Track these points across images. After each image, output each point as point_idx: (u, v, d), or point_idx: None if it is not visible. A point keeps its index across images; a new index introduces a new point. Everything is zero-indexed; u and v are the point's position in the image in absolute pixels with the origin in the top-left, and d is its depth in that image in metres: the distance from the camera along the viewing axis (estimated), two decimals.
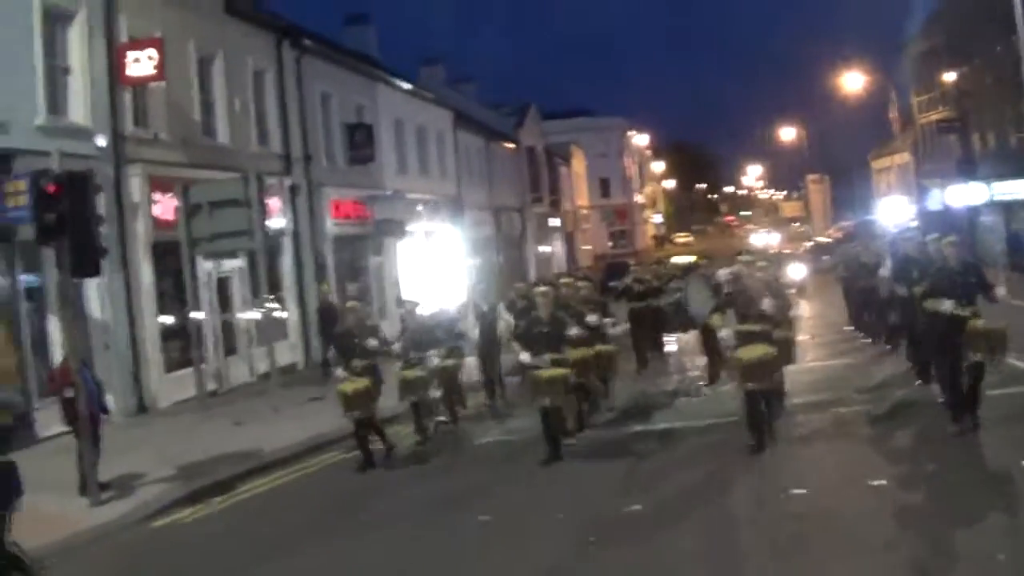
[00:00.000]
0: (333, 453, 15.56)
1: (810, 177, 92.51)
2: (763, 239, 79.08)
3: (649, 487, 11.46)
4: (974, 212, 43.11)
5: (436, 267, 37.28)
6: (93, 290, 19.36)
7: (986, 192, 41.31)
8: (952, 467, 10.61)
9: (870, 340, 20.78)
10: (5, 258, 17.42)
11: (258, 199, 19.35)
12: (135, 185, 20.37)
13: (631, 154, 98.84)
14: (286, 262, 26.97)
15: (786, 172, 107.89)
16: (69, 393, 12.85)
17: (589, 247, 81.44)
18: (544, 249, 62.40)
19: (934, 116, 48.11)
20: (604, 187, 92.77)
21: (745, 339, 12.54)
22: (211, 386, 21.68)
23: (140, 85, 20.56)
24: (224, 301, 23.80)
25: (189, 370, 20.99)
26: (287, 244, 26.79)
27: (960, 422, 11.89)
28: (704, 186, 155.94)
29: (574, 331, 14.09)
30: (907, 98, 52.57)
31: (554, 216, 65.75)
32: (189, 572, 10.50)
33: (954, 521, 8.84)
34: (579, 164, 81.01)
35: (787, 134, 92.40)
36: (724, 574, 8.50)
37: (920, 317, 13.02)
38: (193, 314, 20.87)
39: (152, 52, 20.02)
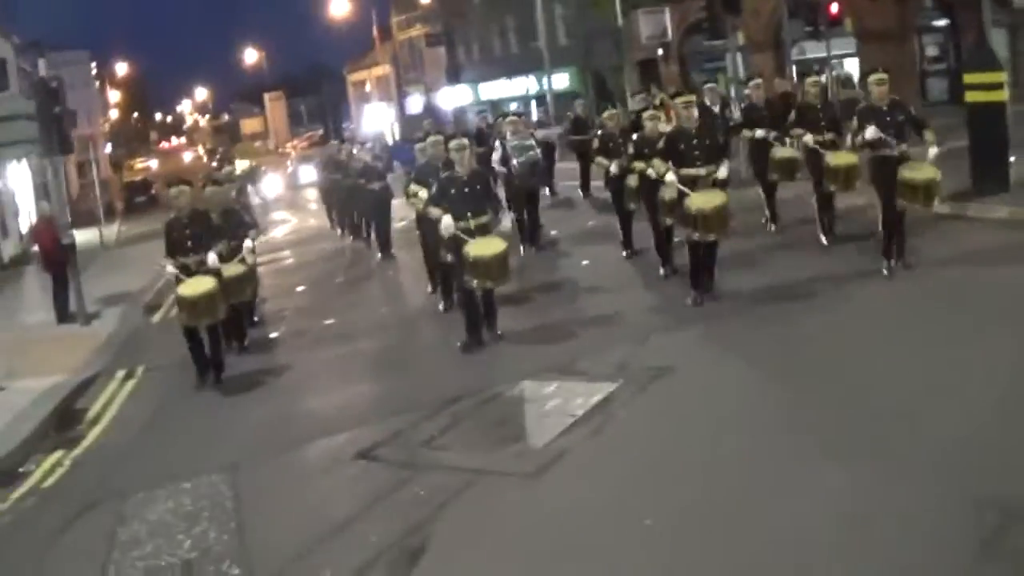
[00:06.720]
0: None
1: (269, 95, 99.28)
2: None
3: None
4: (460, 111, 52.82)
5: None
6: None
7: (471, 94, 51.57)
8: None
9: None
10: None
11: None
12: None
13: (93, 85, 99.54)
14: None
15: (247, 92, 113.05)
16: (68, 239, 17.34)
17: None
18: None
19: (414, 32, 57.53)
20: (73, 119, 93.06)
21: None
22: None
23: None
24: None
25: None
26: None
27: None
28: (136, 115, 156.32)
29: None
30: (386, 17, 61.31)
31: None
32: None
33: None
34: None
35: (251, 56, 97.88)
36: None
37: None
38: None
39: None
